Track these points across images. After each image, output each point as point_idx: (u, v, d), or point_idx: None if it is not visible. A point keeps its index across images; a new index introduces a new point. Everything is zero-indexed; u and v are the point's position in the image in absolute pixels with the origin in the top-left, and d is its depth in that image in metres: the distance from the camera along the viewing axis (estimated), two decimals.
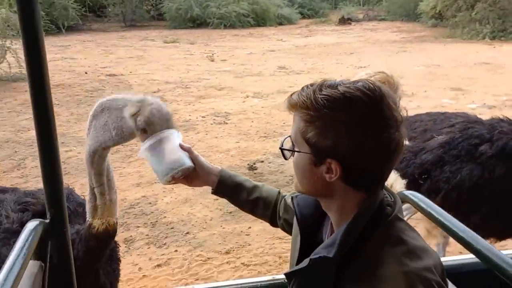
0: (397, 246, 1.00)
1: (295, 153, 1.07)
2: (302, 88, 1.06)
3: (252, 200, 1.52)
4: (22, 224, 1.83)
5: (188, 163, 1.43)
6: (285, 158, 1.12)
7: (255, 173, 5.30)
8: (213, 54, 12.83)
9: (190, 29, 18.89)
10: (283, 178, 5.17)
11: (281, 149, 1.11)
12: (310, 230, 1.20)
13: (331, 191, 1.06)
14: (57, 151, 1.25)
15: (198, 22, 19.53)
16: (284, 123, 7.05)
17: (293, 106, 1.06)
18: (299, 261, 1.15)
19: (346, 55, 12.83)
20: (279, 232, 4.10)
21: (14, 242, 1.78)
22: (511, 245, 3.29)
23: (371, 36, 16.97)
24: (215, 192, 1.52)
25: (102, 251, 1.79)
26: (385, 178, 1.07)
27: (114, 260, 2.10)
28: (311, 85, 1.05)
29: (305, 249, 1.16)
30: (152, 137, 1.43)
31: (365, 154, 1.00)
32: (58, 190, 1.28)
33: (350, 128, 0.99)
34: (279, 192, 1.55)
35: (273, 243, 3.90)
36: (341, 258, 1.02)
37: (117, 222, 1.76)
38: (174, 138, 1.45)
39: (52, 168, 1.25)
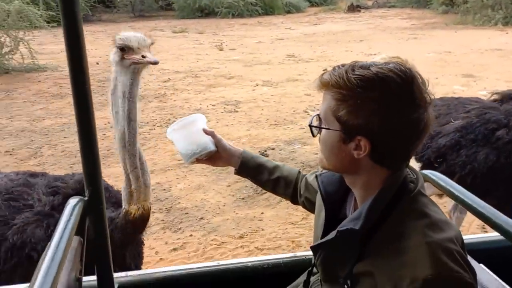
0: (420, 219, 1.05)
1: (324, 130, 1.12)
2: (334, 68, 1.10)
3: (273, 179, 1.60)
4: (53, 207, 1.92)
5: (211, 146, 1.55)
6: (313, 135, 1.17)
7: None
8: (222, 43, 12.85)
9: (198, 19, 18.88)
10: (294, 165, 5.22)
11: (310, 126, 1.15)
12: (334, 206, 1.25)
13: (358, 167, 1.11)
14: (95, 134, 1.34)
15: (206, 12, 19.50)
16: (294, 111, 7.09)
17: (324, 85, 1.10)
18: (323, 236, 1.21)
19: (356, 43, 12.76)
20: (291, 217, 4.19)
21: (47, 223, 1.87)
22: None
23: (381, 23, 16.84)
24: (238, 172, 1.61)
25: (138, 236, 1.87)
26: (411, 157, 1.12)
27: (138, 244, 2.19)
28: (343, 65, 1.09)
29: (329, 224, 1.21)
30: (178, 121, 1.53)
31: (394, 132, 1.05)
32: (96, 170, 1.37)
33: (381, 107, 1.03)
34: (299, 172, 1.63)
35: (286, 228, 3.97)
36: (366, 231, 1.07)
37: (151, 206, 1.84)
38: (199, 122, 1.55)
39: (90, 150, 1.34)
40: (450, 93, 7.36)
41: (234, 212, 4.27)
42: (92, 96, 1.30)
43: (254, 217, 4.17)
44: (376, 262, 1.04)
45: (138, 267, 2.12)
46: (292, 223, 4.03)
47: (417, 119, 1.05)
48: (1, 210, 1.96)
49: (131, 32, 1.82)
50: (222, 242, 3.79)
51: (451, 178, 2.88)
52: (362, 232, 1.07)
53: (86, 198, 1.35)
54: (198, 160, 1.55)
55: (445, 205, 3.54)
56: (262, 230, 3.97)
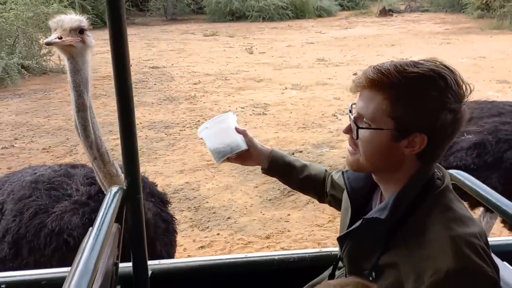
0: (445, 213, 1.08)
1: (370, 130, 1.11)
2: (376, 67, 1.09)
3: (301, 178, 1.60)
4: (90, 197, 2.03)
5: (243, 146, 1.54)
6: (357, 138, 1.14)
7: None
8: (252, 47, 12.95)
9: (229, 22, 19.07)
10: None
11: (358, 128, 1.12)
12: (360, 202, 1.28)
13: (401, 164, 1.13)
14: (135, 128, 1.43)
15: (237, 15, 19.67)
16: (322, 115, 7.09)
17: (373, 84, 1.09)
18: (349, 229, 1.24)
19: (387, 47, 12.62)
20: (318, 219, 4.21)
21: (83, 211, 1.98)
22: None
23: (413, 27, 16.58)
24: (267, 171, 1.61)
25: None
26: (444, 151, 1.15)
27: (170, 233, 2.27)
28: (382, 64, 1.10)
29: (355, 220, 1.24)
30: (210, 120, 1.54)
31: (448, 126, 1.08)
32: (135, 161, 1.45)
33: (442, 102, 1.06)
34: (326, 170, 1.65)
35: (312, 230, 3.99)
36: (393, 223, 1.10)
37: None
38: (231, 121, 1.55)
39: (130, 142, 1.43)
40: (484, 99, 7.20)
41: (261, 212, 4.32)
42: (133, 93, 1.38)
43: (281, 218, 4.21)
44: (401, 253, 1.07)
45: (170, 255, 2.20)
46: (318, 225, 4.05)
47: (462, 113, 1.09)
48: (42, 199, 2.09)
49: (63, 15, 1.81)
50: (249, 242, 3.85)
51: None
52: (388, 223, 1.10)
53: (125, 187, 1.44)
54: (228, 159, 1.55)
55: (475, 211, 3.49)
56: (288, 231, 4.00)
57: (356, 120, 1.14)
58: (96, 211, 1.93)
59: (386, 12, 20.22)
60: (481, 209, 3.38)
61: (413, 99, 1.07)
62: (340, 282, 1.13)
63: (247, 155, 1.57)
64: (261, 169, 1.63)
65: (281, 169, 1.60)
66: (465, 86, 1.10)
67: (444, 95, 1.06)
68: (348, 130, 1.16)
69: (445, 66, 1.09)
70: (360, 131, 1.13)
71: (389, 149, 1.11)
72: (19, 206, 2.09)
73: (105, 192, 1.91)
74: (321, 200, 1.65)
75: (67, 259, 1.88)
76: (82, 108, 1.84)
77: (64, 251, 1.96)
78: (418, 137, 1.08)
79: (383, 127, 1.09)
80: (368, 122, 1.11)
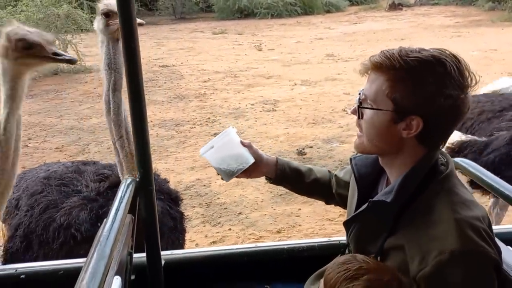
0: (450, 197, 1.10)
1: (371, 111, 1.16)
2: (382, 52, 1.14)
3: (309, 182, 1.58)
4: (99, 193, 2.08)
5: (251, 159, 1.48)
6: (359, 118, 1.19)
7: (304, 158, 5.41)
8: (260, 44, 12.96)
9: (238, 20, 19.09)
10: (332, 163, 5.25)
11: (359, 107, 1.18)
12: (366, 188, 1.31)
13: (401, 147, 1.16)
14: (146, 122, 1.47)
15: (245, 13, 19.67)
16: (332, 110, 7.09)
17: (377, 66, 1.14)
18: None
19: (397, 41, 12.53)
20: (329, 214, 4.23)
21: (91, 207, 2.03)
22: None
23: (423, 21, 16.43)
24: (275, 180, 1.56)
25: None
26: (448, 137, 1.18)
27: (178, 231, 2.30)
28: (390, 49, 1.14)
29: (361, 205, 1.26)
30: (212, 140, 1.49)
31: (447, 112, 1.11)
32: (146, 154, 1.49)
33: (439, 87, 1.09)
34: (329, 171, 1.65)
35: (323, 224, 4.02)
36: (399, 207, 1.13)
37: None
38: (233, 136, 1.49)
39: (142, 136, 1.47)
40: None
41: (272, 208, 4.35)
42: (144, 89, 1.42)
43: (292, 213, 4.24)
44: (406, 235, 1.10)
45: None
46: (329, 220, 4.07)
47: (464, 100, 1.11)
48: (53, 195, 2.16)
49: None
50: (260, 237, 3.88)
51: None
52: (393, 206, 1.12)
53: (137, 179, 1.48)
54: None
55: (486, 204, 3.48)
56: (299, 225, 4.03)
57: (362, 101, 1.18)
58: (104, 207, 1.98)
59: (395, 6, 20.05)
60: (491, 200, 3.37)
61: (411, 82, 1.10)
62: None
63: (253, 168, 1.52)
64: (267, 179, 1.58)
65: (289, 176, 1.56)
66: (470, 76, 1.12)
67: (441, 81, 1.09)
68: (354, 111, 1.21)
69: (451, 54, 1.12)
70: (364, 112, 1.17)
71: (388, 130, 1.15)
72: (31, 201, 2.16)
73: (120, 177, 1.96)
74: (329, 202, 1.65)
75: (73, 253, 1.94)
76: (119, 88, 1.90)
77: (71, 245, 2.02)
78: (415, 120, 1.11)
79: (383, 108, 1.14)
80: (370, 103, 1.16)
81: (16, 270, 1.58)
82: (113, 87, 1.89)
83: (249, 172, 1.52)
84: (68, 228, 2.04)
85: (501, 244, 1.16)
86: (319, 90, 8.24)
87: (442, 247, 1.02)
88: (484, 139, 2.97)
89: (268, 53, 11.90)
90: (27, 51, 1.60)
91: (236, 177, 1.50)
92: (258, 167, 1.53)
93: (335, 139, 5.95)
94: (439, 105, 1.09)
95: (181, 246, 2.34)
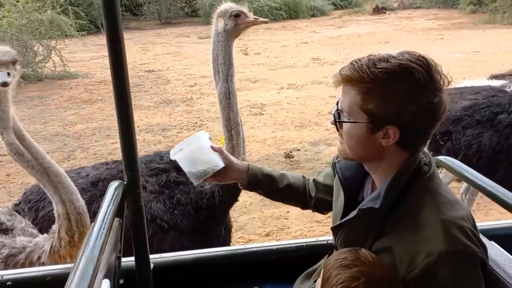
0: (435, 197, 1.12)
1: (349, 123, 1.17)
2: (352, 63, 1.15)
3: (282, 188, 1.57)
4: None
5: (221, 164, 1.49)
6: (338, 130, 1.22)
7: (291, 161, 5.43)
8: (247, 48, 12.98)
9: None
10: (319, 165, 5.27)
11: (336, 122, 1.20)
12: (352, 191, 1.32)
13: (383, 154, 1.17)
14: (133, 126, 1.47)
15: None
16: (319, 113, 7.14)
17: (347, 80, 1.15)
18: (343, 218, 1.28)
19: (381, 45, 12.68)
20: (317, 216, 4.24)
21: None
22: None
23: (407, 24, 16.66)
24: (247, 186, 1.55)
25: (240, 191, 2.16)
26: (428, 139, 1.19)
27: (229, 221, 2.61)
28: (360, 59, 1.15)
29: (348, 208, 1.28)
30: (182, 142, 1.49)
31: (422, 118, 1.12)
32: (133, 157, 1.50)
33: (410, 95, 1.10)
34: (303, 176, 1.64)
35: (311, 226, 4.03)
36: (385, 211, 1.14)
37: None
38: (204, 140, 1.49)
39: (129, 140, 1.47)
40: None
41: (260, 211, 4.35)
42: (131, 94, 1.42)
43: (280, 215, 4.24)
44: (394, 237, 1.12)
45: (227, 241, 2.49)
46: (318, 221, 4.08)
47: (439, 102, 1.12)
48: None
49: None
50: (249, 240, 3.88)
51: (456, 157, 2.97)
52: (381, 210, 1.14)
53: (125, 182, 1.47)
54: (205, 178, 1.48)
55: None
56: (288, 228, 4.04)
57: (339, 113, 1.20)
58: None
59: (379, 10, 20.30)
60: (462, 186, 3.50)
61: (381, 94, 1.11)
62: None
63: (224, 173, 1.51)
64: (240, 185, 1.57)
65: (261, 182, 1.55)
66: (442, 78, 1.13)
67: (411, 89, 1.10)
68: (333, 122, 1.23)
69: (422, 59, 1.12)
70: (342, 124, 1.19)
71: (367, 141, 1.16)
72: None
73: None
74: (305, 207, 1.63)
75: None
76: (233, 79, 2.28)
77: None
78: (391, 129, 1.12)
79: (358, 120, 1.15)
80: (347, 116, 1.17)
81: (2, 277, 1.56)
82: (230, 79, 2.15)
83: (219, 176, 1.52)
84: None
85: (484, 240, 1.18)
86: (305, 93, 8.28)
87: (430, 248, 1.03)
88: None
89: (255, 57, 11.93)
90: None
91: (204, 180, 1.51)
92: (228, 172, 1.52)
93: (322, 142, 5.98)
94: (412, 113, 1.10)
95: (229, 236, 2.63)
